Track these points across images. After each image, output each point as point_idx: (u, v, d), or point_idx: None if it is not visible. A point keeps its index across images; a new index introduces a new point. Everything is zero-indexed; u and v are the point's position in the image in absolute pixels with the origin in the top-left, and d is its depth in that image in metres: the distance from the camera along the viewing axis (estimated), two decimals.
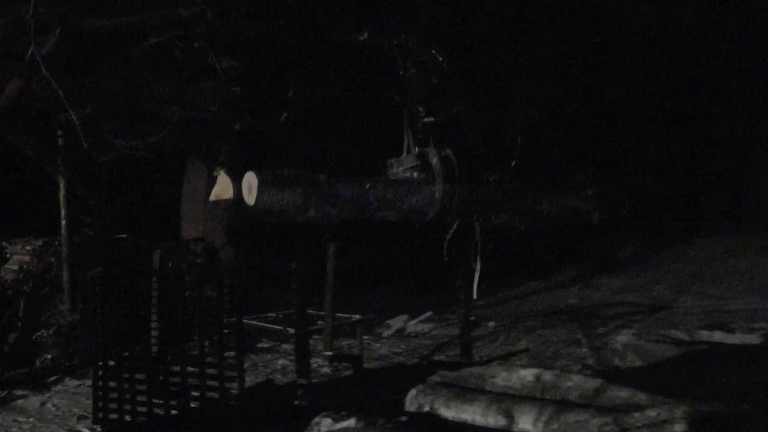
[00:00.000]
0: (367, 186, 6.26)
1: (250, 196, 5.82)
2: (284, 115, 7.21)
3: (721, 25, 16.40)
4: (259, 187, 5.73)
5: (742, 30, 16.44)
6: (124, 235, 8.50)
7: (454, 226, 7.05)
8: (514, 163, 7.25)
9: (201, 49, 7.24)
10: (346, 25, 7.00)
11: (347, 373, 8.33)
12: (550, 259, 15.24)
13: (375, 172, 6.78)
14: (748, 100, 17.70)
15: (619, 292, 14.10)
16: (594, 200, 6.93)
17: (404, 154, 6.80)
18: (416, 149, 6.77)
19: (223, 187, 6.04)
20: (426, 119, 6.84)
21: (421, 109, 6.82)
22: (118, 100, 7.99)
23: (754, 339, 9.55)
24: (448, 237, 7.14)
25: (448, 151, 6.73)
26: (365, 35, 6.89)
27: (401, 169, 6.70)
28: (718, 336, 9.77)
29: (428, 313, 11.55)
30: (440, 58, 6.98)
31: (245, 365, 6.82)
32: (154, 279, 6.66)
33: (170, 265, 6.66)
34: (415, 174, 6.62)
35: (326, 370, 8.58)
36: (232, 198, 5.91)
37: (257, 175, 5.74)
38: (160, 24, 7.24)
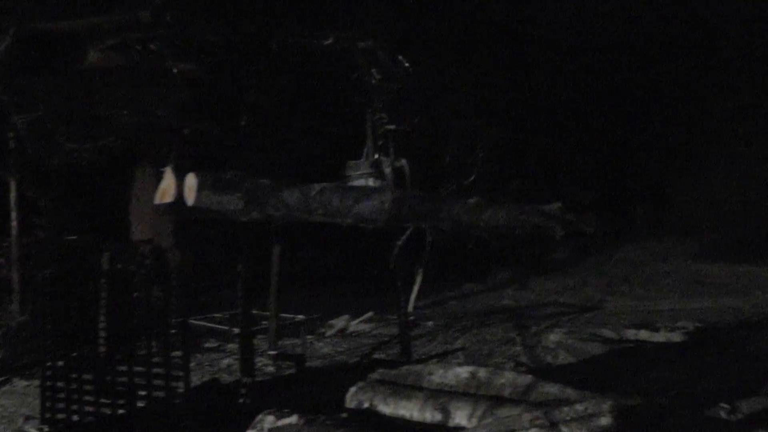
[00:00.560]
0: (313, 193, 6.18)
1: (189, 197, 5.88)
2: (243, 118, 7.17)
3: (646, 35, 16.73)
4: (198, 189, 5.81)
5: (665, 39, 16.81)
6: (74, 237, 8.52)
7: (406, 234, 7.03)
8: (473, 177, 7.24)
9: (157, 53, 7.19)
10: (310, 29, 6.93)
11: (290, 371, 8.45)
12: (486, 262, 15.47)
13: (336, 177, 6.70)
14: (671, 109, 18.10)
15: (552, 293, 14.34)
16: (558, 217, 6.85)
17: (363, 159, 6.75)
18: (373, 156, 6.72)
19: (167, 186, 6.05)
20: (387, 126, 6.79)
21: (383, 116, 6.77)
22: (71, 103, 7.96)
23: (676, 337, 9.89)
24: (398, 245, 7.13)
25: (404, 161, 6.69)
26: (330, 40, 6.84)
27: (357, 173, 6.66)
28: (643, 334, 10.08)
29: (369, 314, 11.67)
30: (406, 64, 6.91)
31: (191, 365, 6.89)
32: (102, 280, 6.70)
33: (119, 266, 6.71)
34: (371, 180, 6.61)
35: (270, 368, 8.69)
36: (174, 197, 5.93)
37: (197, 176, 5.80)
38: (117, 27, 7.21)
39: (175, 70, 7.14)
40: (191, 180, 5.82)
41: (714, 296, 12.86)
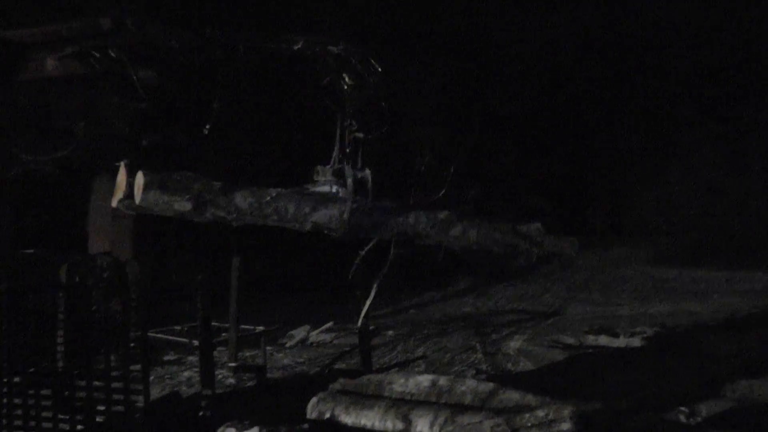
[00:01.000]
0: (268, 198, 6.05)
1: (137, 196, 5.78)
2: (207, 126, 6.99)
3: (602, 41, 16.90)
4: (145, 188, 5.66)
5: (622, 46, 16.99)
6: (31, 250, 8.41)
7: (368, 246, 6.91)
8: (443, 192, 7.12)
9: (117, 60, 7.06)
10: (276, 34, 6.77)
11: (251, 383, 8.42)
12: (445, 270, 15.52)
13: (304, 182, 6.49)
14: (628, 116, 18.30)
15: (512, 300, 14.42)
16: (536, 240, 6.68)
17: (329, 166, 6.53)
18: (339, 163, 6.50)
19: (118, 183, 5.93)
20: (356, 134, 6.67)
21: (353, 122, 6.63)
22: (27, 113, 7.85)
23: (636, 342, 10.00)
24: (359, 256, 7.04)
25: (367, 171, 6.57)
26: (299, 44, 6.69)
27: (323, 179, 6.51)
28: (603, 340, 10.18)
29: (330, 323, 11.64)
30: (379, 69, 6.77)
31: (151, 378, 6.87)
32: (60, 294, 6.64)
33: (77, 279, 6.65)
34: (335, 188, 6.41)
35: (231, 380, 8.65)
36: (124, 194, 5.82)
37: (145, 175, 5.66)
38: (76, 34, 7.11)
39: (135, 78, 6.99)
40: (140, 178, 5.71)
41: (672, 301, 13.00)
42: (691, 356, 9.29)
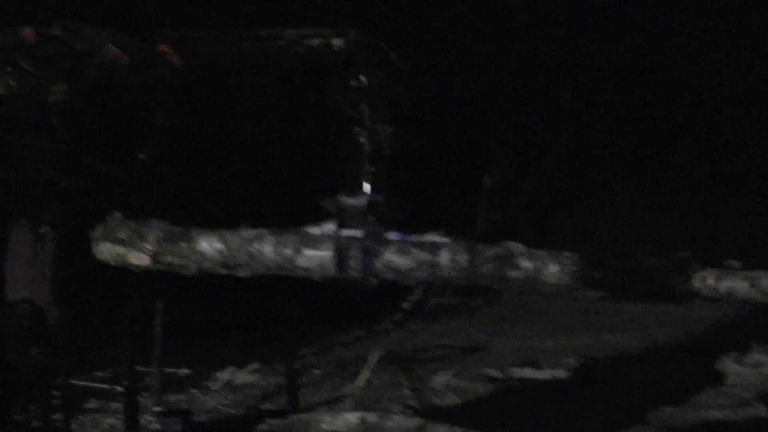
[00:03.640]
0: (239, 242, 5.21)
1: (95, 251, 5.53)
2: (145, 152, 6.23)
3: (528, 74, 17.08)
4: (96, 240, 5.42)
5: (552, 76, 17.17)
6: None
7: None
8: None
9: (37, 78, 6.24)
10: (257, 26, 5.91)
11: (177, 428, 8.30)
12: (370, 307, 15.51)
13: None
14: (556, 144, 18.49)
15: (437, 336, 14.43)
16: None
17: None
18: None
19: None
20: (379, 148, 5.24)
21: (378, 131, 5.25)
22: None
23: (561, 373, 10.13)
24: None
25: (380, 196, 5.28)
26: (288, 37, 5.76)
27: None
28: (528, 372, 10.28)
29: (255, 364, 11.54)
30: (403, 66, 5.63)
31: (72, 427, 6.72)
32: None
33: None
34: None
35: (156, 426, 8.50)
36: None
37: (99, 227, 5.40)
38: None
39: (51, 99, 6.19)
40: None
41: (595, 332, 13.19)
42: (615, 386, 9.45)
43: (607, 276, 4.75)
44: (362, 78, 5.20)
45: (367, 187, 5.18)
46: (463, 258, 4.84)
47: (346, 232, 5.06)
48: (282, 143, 13.29)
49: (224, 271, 5.26)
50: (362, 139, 5.21)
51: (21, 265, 7.31)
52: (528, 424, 7.53)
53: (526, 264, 4.78)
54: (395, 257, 4.96)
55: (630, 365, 10.56)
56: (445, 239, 4.96)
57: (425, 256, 4.91)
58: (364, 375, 7.22)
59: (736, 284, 4.66)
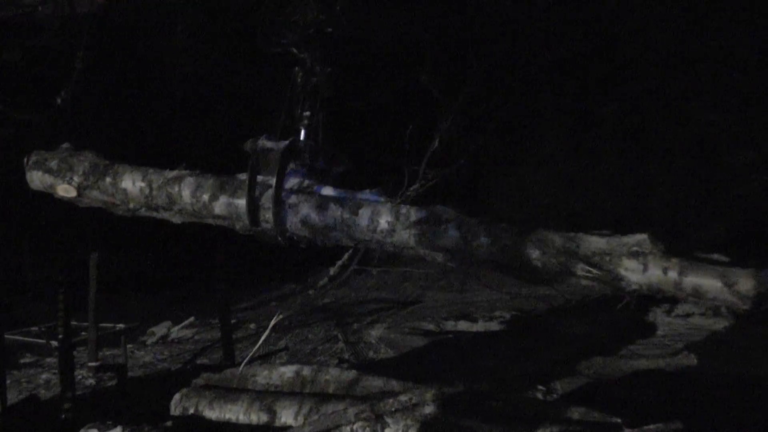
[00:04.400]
0: (161, 181, 4.96)
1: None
2: (62, 97, 6.13)
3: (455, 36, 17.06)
4: (30, 167, 5.39)
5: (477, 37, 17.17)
6: None
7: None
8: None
9: None
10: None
11: (113, 382, 8.24)
12: (304, 262, 15.49)
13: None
14: (480, 108, 18.52)
15: (371, 290, 14.50)
16: None
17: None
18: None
19: None
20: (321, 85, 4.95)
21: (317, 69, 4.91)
22: None
23: (494, 326, 10.25)
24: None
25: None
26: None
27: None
28: (463, 325, 10.38)
29: (191, 319, 11.48)
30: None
31: (7, 382, 6.66)
32: None
33: None
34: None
35: (91, 381, 8.42)
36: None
37: (34, 154, 5.38)
38: None
39: None
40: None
41: (527, 286, 13.31)
42: (547, 338, 9.61)
43: (545, 257, 4.39)
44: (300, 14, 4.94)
45: (302, 133, 4.87)
46: (383, 220, 4.44)
47: (260, 179, 4.72)
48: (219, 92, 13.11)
49: (148, 213, 5.15)
50: (299, 80, 4.96)
51: None
52: (462, 375, 7.60)
53: (454, 233, 4.30)
54: (313, 212, 4.63)
55: (563, 318, 10.72)
56: (378, 197, 4.62)
57: (344, 215, 4.54)
58: (261, 340, 7.21)
59: (706, 282, 3.85)
